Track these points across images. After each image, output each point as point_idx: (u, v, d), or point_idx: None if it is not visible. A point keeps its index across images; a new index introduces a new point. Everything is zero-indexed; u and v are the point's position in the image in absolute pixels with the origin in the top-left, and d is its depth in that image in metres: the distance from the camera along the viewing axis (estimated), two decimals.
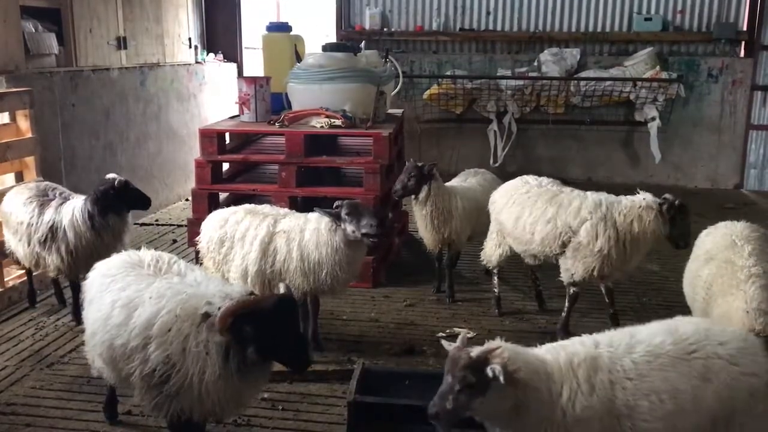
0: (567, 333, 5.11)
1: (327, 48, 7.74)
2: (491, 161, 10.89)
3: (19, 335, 5.53)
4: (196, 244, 5.38)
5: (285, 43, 8.50)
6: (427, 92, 11.20)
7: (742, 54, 11.01)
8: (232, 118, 7.79)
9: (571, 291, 5.33)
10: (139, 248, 3.89)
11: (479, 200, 6.33)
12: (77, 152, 7.84)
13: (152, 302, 3.35)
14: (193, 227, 6.36)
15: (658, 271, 7.00)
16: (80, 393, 4.62)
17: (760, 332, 3.46)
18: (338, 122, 6.87)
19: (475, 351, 2.81)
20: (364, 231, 4.68)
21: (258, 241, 4.93)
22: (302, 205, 6.41)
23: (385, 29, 11.67)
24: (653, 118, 10.65)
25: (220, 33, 11.52)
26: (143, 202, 5.49)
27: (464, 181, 6.62)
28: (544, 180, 5.58)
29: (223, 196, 7.24)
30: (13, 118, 6.40)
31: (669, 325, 3.10)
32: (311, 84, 7.28)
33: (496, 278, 6.07)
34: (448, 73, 11.25)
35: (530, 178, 5.65)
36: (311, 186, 6.81)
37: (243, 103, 7.31)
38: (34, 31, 7.41)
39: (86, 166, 7.93)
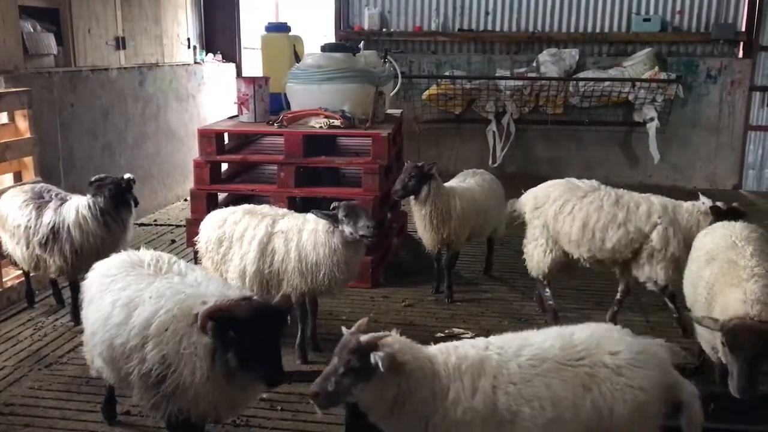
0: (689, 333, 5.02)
1: (326, 48, 7.73)
2: (490, 161, 10.90)
3: (18, 335, 5.53)
4: (195, 244, 5.38)
5: (284, 44, 8.49)
6: (426, 92, 11.21)
7: (740, 55, 11.02)
8: (230, 118, 7.79)
9: (666, 292, 5.27)
10: (138, 248, 3.89)
11: (478, 200, 6.34)
12: (76, 152, 7.84)
13: (152, 302, 3.35)
14: (192, 227, 6.36)
15: None
16: (79, 393, 4.62)
17: (755, 317, 3.48)
18: (337, 122, 6.87)
19: (365, 336, 2.80)
20: (361, 233, 4.69)
21: (256, 242, 4.93)
22: (301, 206, 6.41)
23: (384, 29, 11.67)
24: (652, 119, 10.66)
25: (218, 33, 11.52)
26: (136, 202, 5.57)
27: (463, 181, 6.61)
28: (586, 181, 5.51)
29: (221, 196, 7.23)
30: (11, 118, 6.40)
31: (566, 330, 3.04)
32: (310, 84, 7.27)
33: (548, 290, 5.73)
34: (447, 73, 11.26)
35: (574, 180, 5.53)
36: (310, 186, 6.81)
37: (242, 103, 7.30)
38: (32, 31, 7.40)
39: (85, 166, 7.92)
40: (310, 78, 7.28)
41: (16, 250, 5.56)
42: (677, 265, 4.98)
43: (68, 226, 5.31)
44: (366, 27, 11.64)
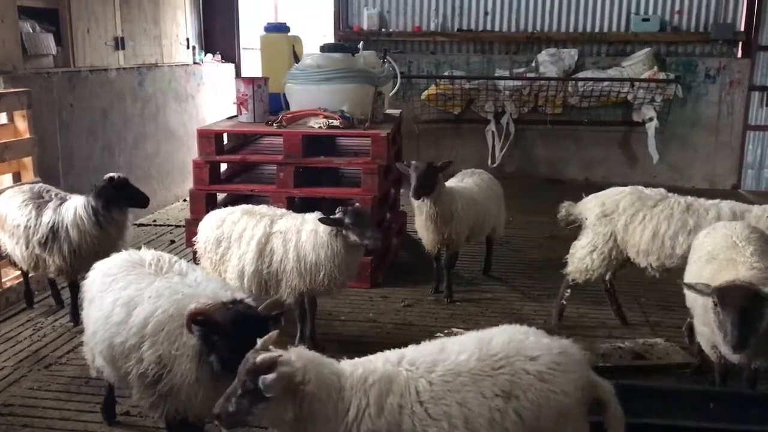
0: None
1: (325, 48, 7.73)
2: (489, 161, 10.90)
3: (17, 336, 5.52)
4: (194, 245, 5.38)
5: (283, 44, 8.48)
6: (425, 93, 11.21)
7: (739, 54, 11.03)
8: (230, 118, 7.78)
9: None
10: (138, 249, 3.89)
11: (477, 200, 6.33)
12: (75, 153, 7.84)
13: (150, 301, 3.36)
14: (191, 228, 6.35)
15: None
16: (78, 394, 4.61)
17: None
18: (336, 123, 6.87)
19: (262, 356, 2.66)
20: (367, 242, 4.73)
21: (255, 242, 4.93)
22: (300, 206, 6.40)
23: (383, 30, 11.67)
24: (651, 119, 10.66)
25: (218, 33, 11.51)
26: (142, 200, 5.52)
27: (461, 181, 6.60)
28: (654, 189, 5.37)
29: (221, 196, 7.23)
30: (11, 119, 6.40)
31: (484, 336, 2.94)
32: (309, 84, 7.27)
33: (569, 291, 5.70)
34: (446, 73, 11.26)
35: (642, 189, 5.41)
36: (309, 186, 6.81)
37: (241, 103, 7.30)
38: (31, 31, 7.39)
39: (84, 166, 7.92)
40: (309, 78, 7.28)
41: (15, 249, 5.55)
42: None
43: (66, 226, 5.31)
44: (365, 27, 11.64)
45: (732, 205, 5.11)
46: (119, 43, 8.91)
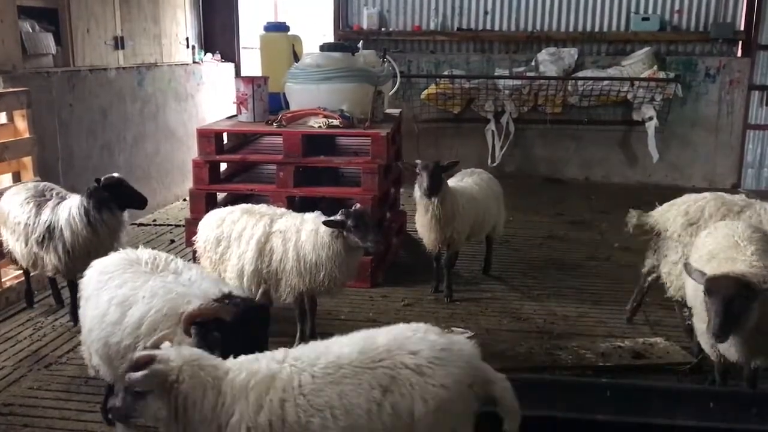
0: None
1: (325, 48, 7.73)
2: (489, 161, 10.89)
3: (17, 336, 5.52)
4: (194, 244, 5.37)
5: (283, 43, 8.48)
6: (425, 92, 11.20)
7: (739, 54, 11.03)
8: (229, 118, 7.78)
9: None
10: (136, 248, 3.89)
11: (477, 200, 6.34)
12: (75, 152, 7.83)
13: (144, 301, 3.37)
14: (191, 227, 6.34)
15: None
16: (78, 393, 4.61)
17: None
18: (336, 122, 6.87)
19: (140, 353, 2.76)
20: (368, 245, 4.73)
21: (254, 241, 4.93)
22: (300, 205, 6.40)
23: (382, 29, 11.67)
24: (651, 118, 10.66)
25: (217, 33, 11.51)
26: (139, 201, 5.46)
27: (460, 180, 6.59)
28: (735, 196, 5.14)
29: (220, 196, 7.23)
30: (10, 118, 6.39)
31: (372, 333, 2.98)
32: (309, 84, 7.27)
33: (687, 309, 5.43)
34: (446, 72, 11.25)
35: (724, 195, 5.15)
36: (309, 186, 6.80)
37: (241, 103, 7.30)
38: (31, 30, 7.39)
39: (84, 166, 7.92)
40: (309, 77, 7.28)
41: (15, 247, 5.57)
42: None
43: (61, 226, 5.31)
44: (365, 26, 11.63)
45: None
46: (119, 43, 8.91)
